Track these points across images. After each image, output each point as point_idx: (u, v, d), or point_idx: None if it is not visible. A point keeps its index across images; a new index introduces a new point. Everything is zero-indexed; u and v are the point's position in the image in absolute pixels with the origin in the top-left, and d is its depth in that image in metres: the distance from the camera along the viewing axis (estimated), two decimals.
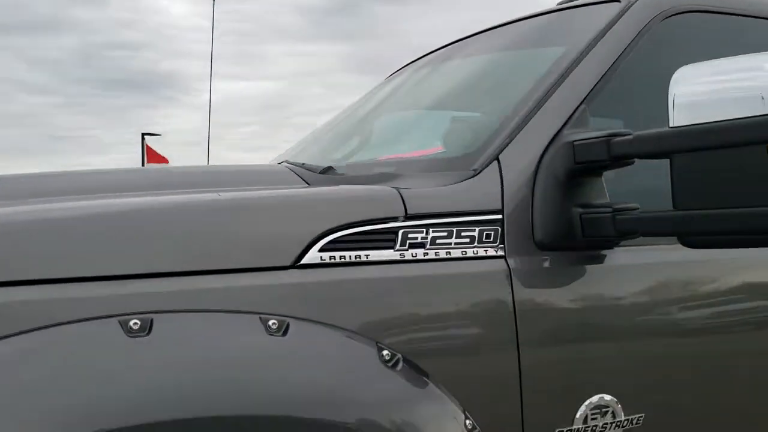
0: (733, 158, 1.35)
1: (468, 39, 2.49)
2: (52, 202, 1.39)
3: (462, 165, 1.62)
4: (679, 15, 1.97)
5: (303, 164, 1.90)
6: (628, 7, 1.92)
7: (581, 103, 1.70)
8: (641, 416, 1.58)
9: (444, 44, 2.59)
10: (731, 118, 1.35)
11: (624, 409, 1.56)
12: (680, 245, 1.55)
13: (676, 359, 1.65)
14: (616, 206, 1.55)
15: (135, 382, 1.11)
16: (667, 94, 1.45)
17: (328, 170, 1.78)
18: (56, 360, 1.10)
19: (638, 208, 1.55)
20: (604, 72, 1.77)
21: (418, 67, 2.55)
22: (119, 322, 1.13)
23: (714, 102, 1.38)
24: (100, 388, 1.09)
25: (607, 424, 1.54)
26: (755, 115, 1.32)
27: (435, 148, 1.91)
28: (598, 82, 1.75)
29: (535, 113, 1.67)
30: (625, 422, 1.56)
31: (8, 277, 1.14)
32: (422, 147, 1.96)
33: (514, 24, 2.32)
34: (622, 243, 1.62)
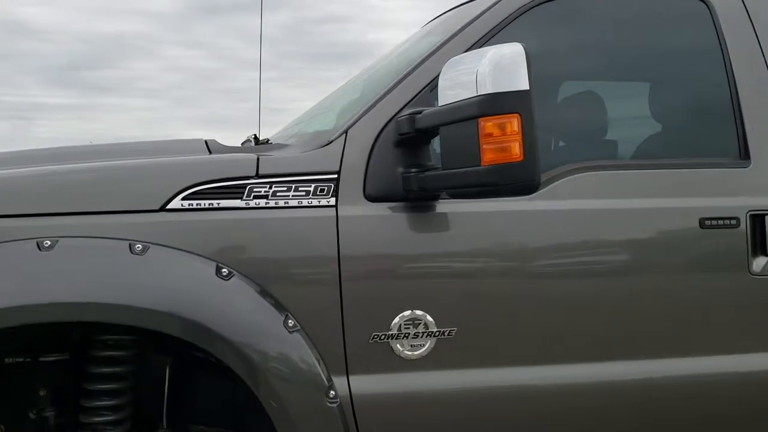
0: (464, 129, 1.76)
1: (426, 25, 2.93)
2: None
3: (325, 137, 2.14)
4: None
5: (248, 138, 2.51)
6: None
7: (426, 86, 2.12)
8: (453, 329, 2.02)
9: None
10: (460, 99, 1.76)
11: (436, 323, 2.01)
12: (497, 199, 1.98)
13: (481, 285, 2.05)
14: (423, 167, 2.00)
15: (41, 279, 1.82)
16: None
17: (245, 143, 2.37)
18: None
19: (438, 168, 1.98)
20: None
21: (389, 50, 3.03)
22: (36, 242, 1.83)
23: (456, 86, 1.79)
24: (20, 280, 1.81)
25: (419, 332, 2.00)
26: (470, 97, 1.73)
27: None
28: None
29: (386, 95, 2.13)
30: (437, 333, 2.01)
31: None
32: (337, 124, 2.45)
33: (448, 12, 2.72)
34: (445, 195, 2.04)
